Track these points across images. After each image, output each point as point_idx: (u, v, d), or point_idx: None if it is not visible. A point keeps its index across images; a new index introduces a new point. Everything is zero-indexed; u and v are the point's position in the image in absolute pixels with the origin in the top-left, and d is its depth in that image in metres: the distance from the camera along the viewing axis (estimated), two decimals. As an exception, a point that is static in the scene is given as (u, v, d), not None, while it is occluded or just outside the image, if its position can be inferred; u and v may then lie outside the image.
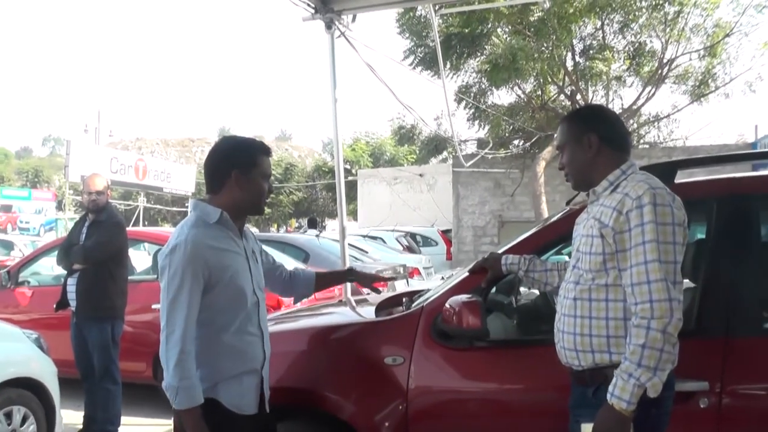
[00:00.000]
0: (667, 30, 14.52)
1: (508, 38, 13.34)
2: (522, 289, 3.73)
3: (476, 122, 17.04)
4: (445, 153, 20.87)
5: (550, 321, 2.57)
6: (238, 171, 2.52)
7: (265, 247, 2.97)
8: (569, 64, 15.12)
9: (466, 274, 3.05)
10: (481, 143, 16.64)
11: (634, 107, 15.87)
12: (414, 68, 14.47)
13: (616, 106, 16.50)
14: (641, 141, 17.79)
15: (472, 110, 16.07)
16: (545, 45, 13.29)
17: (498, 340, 2.99)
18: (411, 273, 12.48)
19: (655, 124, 17.23)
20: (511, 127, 16.94)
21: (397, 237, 17.23)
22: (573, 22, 13.09)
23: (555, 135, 2.96)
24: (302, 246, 9.43)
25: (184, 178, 23.84)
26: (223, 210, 2.51)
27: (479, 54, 14.14)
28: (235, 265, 2.51)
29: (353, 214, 36.71)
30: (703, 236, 2.97)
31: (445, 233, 20.24)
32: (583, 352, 2.24)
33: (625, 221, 2.14)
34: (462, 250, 19.15)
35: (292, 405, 3.02)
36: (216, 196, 2.58)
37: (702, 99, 15.65)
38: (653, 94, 15.42)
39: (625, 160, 2.31)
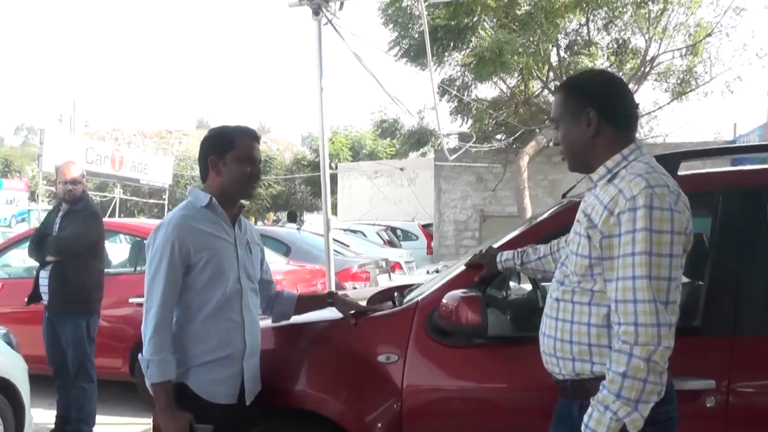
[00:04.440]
0: (651, 28, 14.50)
1: (495, 32, 13.22)
2: (511, 283, 3.63)
3: (459, 116, 16.96)
4: (426, 147, 20.78)
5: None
6: (214, 156, 2.57)
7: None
8: (554, 59, 15.07)
9: (462, 268, 2.94)
10: (463, 137, 16.52)
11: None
12: (398, 60, 14.34)
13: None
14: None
15: (455, 104, 15.94)
16: (532, 39, 13.19)
17: (497, 336, 2.84)
18: (393, 267, 12.42)
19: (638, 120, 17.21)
20: (494, 121, 16.88)
21: (378, 231, 17.11)
22: (560, 17, 13.02)
23: (550, 114, 2.74)
24: (283, 239, 9.30)
25: (162, 169, 23.46)
26: (212, 196, 2.56)
27: (464, 47, 14.03)
28: (218, 250, 2.53)
29: (333, 207, 36.58)
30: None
31: (425, 227, 20.17)
32: (563, 360, 1.99)
33: (616, 224, 1.83)
34: (443, 245, 19.10)
35: (281, 404, 2.88)
36: (205, 185, 2.63)
37: (683, 97, 15.69)
38: (636, 91, 15.40)
39: (629, 141, 1.98)
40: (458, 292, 2.63)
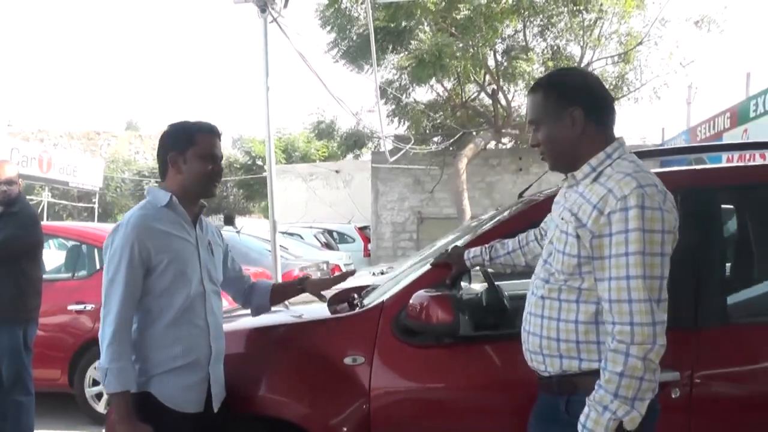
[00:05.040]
0: (585, 36, 14.86)
1: (434, 35, 13.31)
2: (463, 283, 3.64)
3: (396, 118, 17.03)
4: (361, 149, 20.73)
5: (509, 315, 2.61)
6: (174, 153, 2.48)
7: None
8: (490, 63, 15.26)
9: (427, 267, 2.92)
10: (400, 140, 16.59)
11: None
12: (337, 61, 14.29)
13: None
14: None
15: (393, 106, 15.99)
16: (471, 43, 13.33)
17: (466, 335, 2.80)
18: (332, 270, 12.36)
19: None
20: (432, 124, 17.00)
21: (315, 234, 17.01)
22: (499, 22, 13.21)
23: (527, 107, 2.69)
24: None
25: (92, 172, 22.58)
26: (173, 195, 2.46)
27: (403, 49, 14.08)
28: (179, 251, 2.43)
29: (265, 210, 36.06)
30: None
31: (362, 230, 20.15)
32: (550, 357, 2.00)
33: (606, 224, 1.84)
34: (381, 247, 19.09)
35: (246, 411, 2.79)
36: (165, 183, 2.52)
37: (615, 102, 16.09)
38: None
39: (611, 139, 1.99)
40: (426, 292, 2.62)
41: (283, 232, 15.00)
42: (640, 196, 1.80)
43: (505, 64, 14.48)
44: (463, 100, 16.74)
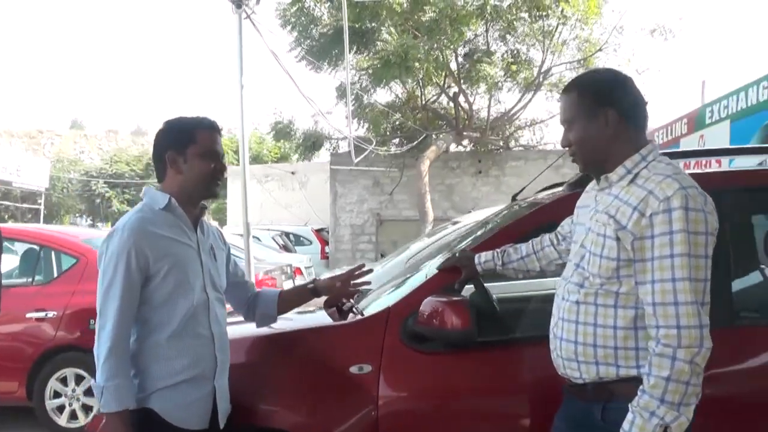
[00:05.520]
0: (545, 41, 14.98)
1: (399, 36, 13.21)
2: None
3: (356, 119, 16.86)
4: (317, 151, 20.55)
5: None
6: (173, 152, 2.31)
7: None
8: (452, 66, 15.23)
9: (434, 272, 2.78)
10: (360, 141, 16.44)
11: (512, 112, 16.34)
12: (299, 61, 14.07)
13: (496, 111, 16.97)
14: (517, 144, 18.33)
15: (354, 107, 15.82)
16: (436, 45, 13.29)
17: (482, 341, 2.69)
18: (294, 273, 12.15)
19: (531, 128, 17.83)
20: (392, 125, 16.93)
21: (273, 236, 16.74)
22: (464, 25, 13.22)
23: (560, 105, 2.58)
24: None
25: (37, 172, 21.83)
26: (171, 196, 2.27)
27: (367, 50, 13.95)
28: (181, 256, 2.25)
29: (216, 212, 35.41)
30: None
31: (318, 232, 19.93)
32: (585, 364, 1.95)
33: (648, 226, 1.80)
34: (339, 249, 18.91)
35: (248, 423, 2.61)
36: (163, 185, 2.34)
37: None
38: (530, 101, 15.91)
39: (645, 142, 1.97)
40: (437, 297, 2.52)
41: (240, 234, 14.70)
42: (684, 198, 1.77)
43: (468, 66, 14.46)
44: (424, 102, 16.69)
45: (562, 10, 13.94)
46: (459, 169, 17.94)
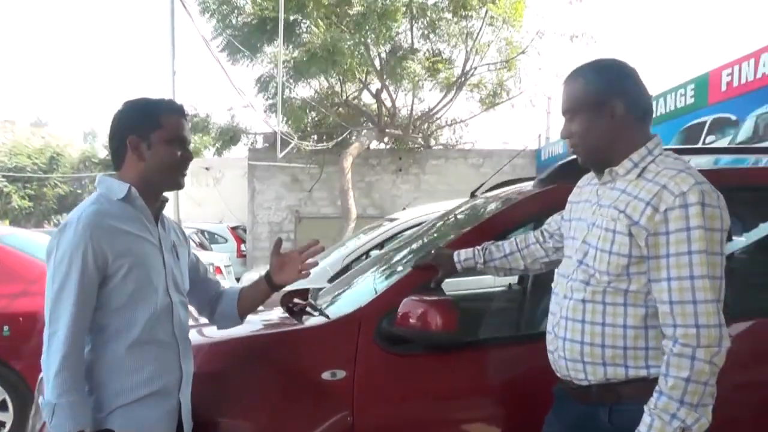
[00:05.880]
0: (468, 41, 15.06)
1: (327, 29, 12.96)
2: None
3: (274, 114, 16.45)
4: (230, 146, 19.95)
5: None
6: (135, 136, 2.05)
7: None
8: (377, 62, 15.11)
9: (409, 270, 2.63)
10: (274, 137, 16.06)
11: (434, 111, 16.40)
12: (221, 51, 13.60)
13: (419, 109, 17.00)
14: (437, 143, 18.41)
15: (274, 101, 15.43)
16: (362, 40, 13.13)
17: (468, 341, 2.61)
18: (215, 271, 11.78)
19: (451, 127, 17.94)
20: (312, 121, 16.67)
21: (189, 234, 16.10)
22: (393, 21, 13.12)
23: (562, 94, 2.42)
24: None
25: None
26: (131, 185, 2.00)
27: (291, 43, 13.64)
28: (142, 254, 1.99)
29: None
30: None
31: (234, 230, 19.43)
32: (592, 365, 1.86)
33: (662, 221, 1.73)
34: (258, 247, 18.47)
35: None
36: (120, 173, 2.06)
37: (492, 108, 16.54)
38: (452, 100, 16.00)
39: (650, 135, 1.90)
40: (417, 298, 2.35)
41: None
42: (701, 193, 1.71)
43: (392, 63, 14.36)
44: (345, 97, 16.51)
45: (486, 12, 14.06)
46: (379, 167, 17.87)
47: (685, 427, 1.68)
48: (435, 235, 3.41)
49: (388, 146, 17.76)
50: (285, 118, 16.20)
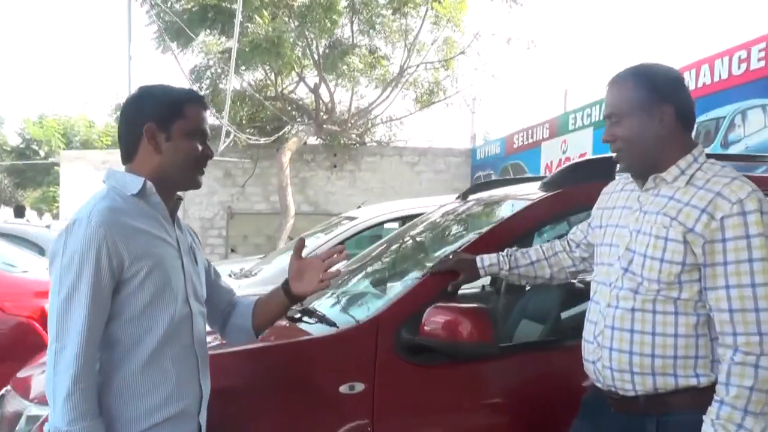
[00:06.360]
0: (406, 39, 15.00)
1: (272, 20, 12.60)
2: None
3: (210, 106, 15.96)
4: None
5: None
6: (154, 125, 1.82)
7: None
8: (315, 56, 14.84)
9: (428, 275, 2.51)
10: (211, 129, 15.54)
11: (372, 108, 16.27)
12: (155, 39, 13.04)
13: (357, 106, 16.82)
14: (372, 140, 18.29)
15: (209, 92, 14.94)
16: (306, 33, 12.85)
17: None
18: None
19: (387, 124, 17.84)
20: (247, 114, 16.26)
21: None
22: (337, 15, 12.91)
23: (607, 96, 2.33)
24: (34, 239, 7.72)
25: None
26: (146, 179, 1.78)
27: (231, 31, 13.22)
28: (161, 257, 1.76)
29: (39, 201, 32.45)
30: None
31: (164, 225, 18.73)
32: (641, 375, 1.84)
33: (718, 228, 1.73)
34: (187, 243, 17.89)
35: None
36: (131, 165, 1.83)
37: (427, 107, 16.56)
38: (388, 97, 15.90)
39: (694, 143, 1.90)
40: (445, 306, 2.25)
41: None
42: (759, 201, 1.73)
43: (332, 57, 14.13)
44: (281, 90, 16.17)
45: (427, 10, 14.04)
46: (314, 163, 17.60)
47: None
48: (440, 237, 3.32)
49: (323, 142, 17.53)
50: (216, 110, 15.76)
